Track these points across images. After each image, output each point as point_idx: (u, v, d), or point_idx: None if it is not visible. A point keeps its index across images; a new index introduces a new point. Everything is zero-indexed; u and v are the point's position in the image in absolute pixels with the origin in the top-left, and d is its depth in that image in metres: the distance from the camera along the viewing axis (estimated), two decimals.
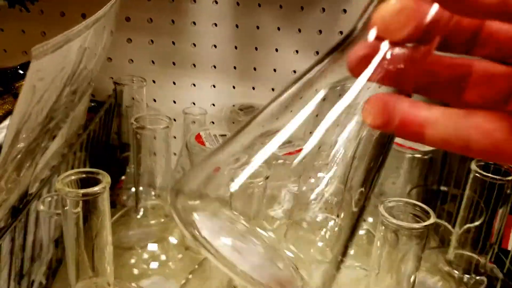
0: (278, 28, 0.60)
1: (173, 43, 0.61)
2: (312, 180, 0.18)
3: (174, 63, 0.62)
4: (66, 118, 0.44)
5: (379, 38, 0.18)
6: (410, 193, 0.51)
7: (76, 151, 0.47)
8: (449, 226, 0.52)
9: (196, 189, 0.19)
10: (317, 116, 0.19)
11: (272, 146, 0.18)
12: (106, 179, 0.30)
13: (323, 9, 0.59)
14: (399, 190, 0.51)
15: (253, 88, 0.64)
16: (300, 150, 0.18)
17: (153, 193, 0.46)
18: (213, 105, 0.65)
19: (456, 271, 0.42)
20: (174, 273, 0.44)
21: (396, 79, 0.18)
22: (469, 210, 0.41)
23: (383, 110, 0.18)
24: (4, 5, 0.47)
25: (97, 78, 0.51)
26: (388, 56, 0.18)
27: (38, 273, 0.43)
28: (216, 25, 0.60)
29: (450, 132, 0.17)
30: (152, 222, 0.46)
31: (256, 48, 0.61)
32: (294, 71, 0.62)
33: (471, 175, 0.40)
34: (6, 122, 0.39)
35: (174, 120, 0.56)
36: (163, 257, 0.45)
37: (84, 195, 0.29)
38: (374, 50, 0.18)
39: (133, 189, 0.47)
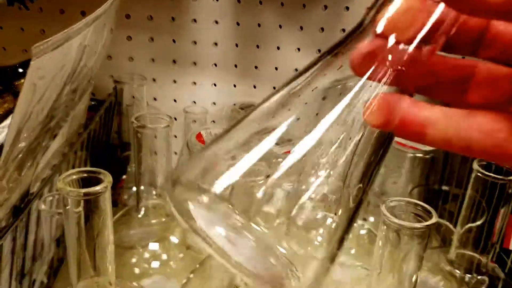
0: (280, 26, 0.60)
1: (174, 41, 0.61)
2: (311, 178, 0.18)
3: (174, 61, 0.62)
4: (67, 117, 0.43)
5: (383, 37, 0.18)
6: (411, 192, 0.51)
7: (77, 150, 0.47)
8: (451, 226, 0.52)
9: (193, 180, 0.19)
10: (317, 114, 0.18)
11: (269, 142, 0.18)
12: (107, 178, 0.30)
13: (325, 7, 0.59)
14: (401, 190, 0.51)
15: (254, 87, 0.64)
16: None
17: (154, 192, 0.46)
18: (214, 103, 0.64)
19: (457, 271, 0.42)
20: (175, 273, 0.44)
21: (398, 79, 0.18)
22: (471, 210, 0.41)
23: (385, 110, 0.18)
24: (3, 3, 0.47)
25: (97, 76, 0.51)
26: (392, 55, 0.18)
27: (39, 273, 0.42)
28: (217, 22, 0.60)
29: (452, 133, 0.17)
30: (153, 221, 0.46)
31: (257, 46, 0.61)
32: (296, 70, 0.62)
33: (473, 175, 0.40)
34: (7, 121, 0.39)
35: (175, 119, 0.55)
36: (164, 257, 0.45)
37: (85, 194, 0.29)
38: (378, 48, 0.18)
39: (134, 188, 0.47)
